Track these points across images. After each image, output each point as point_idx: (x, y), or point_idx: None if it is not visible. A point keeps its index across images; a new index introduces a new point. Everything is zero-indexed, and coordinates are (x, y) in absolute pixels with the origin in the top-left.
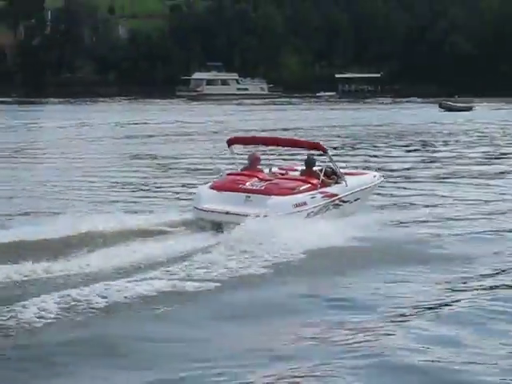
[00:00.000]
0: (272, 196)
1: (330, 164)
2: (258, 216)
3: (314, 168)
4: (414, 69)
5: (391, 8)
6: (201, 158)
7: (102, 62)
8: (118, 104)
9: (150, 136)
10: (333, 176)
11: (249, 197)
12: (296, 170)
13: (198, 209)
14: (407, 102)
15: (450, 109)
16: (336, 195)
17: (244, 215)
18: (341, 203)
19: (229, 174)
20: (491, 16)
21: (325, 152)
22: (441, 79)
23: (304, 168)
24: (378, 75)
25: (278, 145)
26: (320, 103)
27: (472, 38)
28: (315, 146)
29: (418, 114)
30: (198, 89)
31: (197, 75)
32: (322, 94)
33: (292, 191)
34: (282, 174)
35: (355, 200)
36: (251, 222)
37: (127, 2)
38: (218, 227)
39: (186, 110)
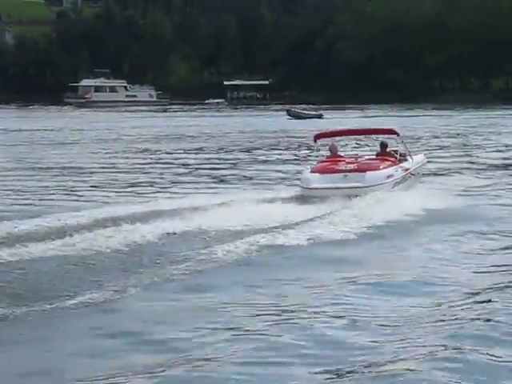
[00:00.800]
0: (367, 172)
1: (400, 146)
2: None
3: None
4: (304, 76)
5: (279, 14)
6: (87, 163)
7: None
8: (6, 111)
9: (39, 143)
10: (403, 154)
11: (346, 175)
12: (361, 157)
13: (309, 188)
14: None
15: (298, 116)
16: (408, 169)
17: (349, 188)
18: (410, 175)
19: (321, 162)
20: (378, 24)
21: (399, 135)
22: (331, 86)
23: (379, 150)
24: (267, 82)
25: (356, 134)
26: (208, 110)
27: (359, 45)
28: (391, 132)
29: (266, 122)
30: (87, 96)
31: (85, 82)
32: (210, 101)
33: (379, 167)
34: (356, 159)
35: (417, 173)
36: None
37: (14, 8)
38: (326, 200)
39: (73, 117)
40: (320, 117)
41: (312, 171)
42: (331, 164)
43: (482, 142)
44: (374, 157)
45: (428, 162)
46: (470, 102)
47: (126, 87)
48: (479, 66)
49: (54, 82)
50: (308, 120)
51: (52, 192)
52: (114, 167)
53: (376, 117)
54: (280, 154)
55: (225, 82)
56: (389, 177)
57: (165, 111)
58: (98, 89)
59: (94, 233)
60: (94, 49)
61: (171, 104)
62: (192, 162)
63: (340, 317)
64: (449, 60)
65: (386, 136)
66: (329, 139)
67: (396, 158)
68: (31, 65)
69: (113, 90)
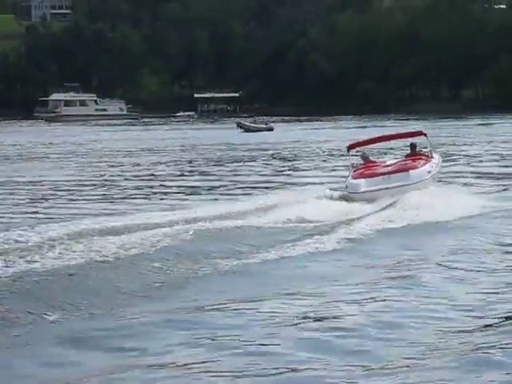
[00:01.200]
0: (409, 170)
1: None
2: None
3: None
4: (276, 88)
5: (252, 27)
6: (59, 177)
7: None
8: None
9: (11, 158)
10: (428, 153)
11: (388, 177)
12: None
13: (359, 193)
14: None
15: (247, 129)
16: (437, 164)
17: (397, 187)
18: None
19: (358, 169)
20: (350, 37)
21: (426, 136)
22: (303, 99)
23: (409, 151)
24: (237, 95)
25: (387, 140)
26: (178, 123)
27: (331, 58)
28: (419, 133)
29: (215, 135)
30: (56, 110)
31: (54, 96)
32: (181, 113)
33: (418, 165)
34: (385, 162)
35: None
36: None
37: None
38: (376, 200)
39: (44, 132)
40: (270, 130)
41: (355, 177)
42: (370, 169)
43: (455, 151)
44: (406, 158)
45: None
46: (440, 112)
47: (95, 101)
48: (450, 76)
49: (23, 96)
50: (258, 133)
51: (24, 205)
52: (84, 180)
53: (346, 129)
54: (252, 166)
55: (195, 95)
56: (428, 172)
57: (135, 125)
58: (67, 103)
59: (66, 246)
60: (63, 62)
61: (142, 117)
62: (163, 173)
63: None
64: (420, 70)
65: (415, 138)
66: (361, 148)
67: (428, 156)
68: (1, 79)
69: (83, 103)
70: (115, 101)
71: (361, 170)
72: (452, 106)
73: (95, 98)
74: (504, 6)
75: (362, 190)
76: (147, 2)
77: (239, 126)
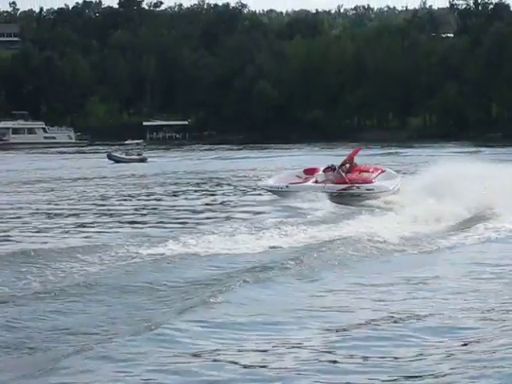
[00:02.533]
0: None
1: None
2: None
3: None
4: (224, 115)
5: (200, 54)
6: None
7: None
8: None
9: None
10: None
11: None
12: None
13: (388, 190)
14: (217, 149)
15: (117, 160)
16: None
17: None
18: None
19: (350, 176)
20: (298, 63)
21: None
22: (251, 126)
23: (349, 166)
24: (186, 122)
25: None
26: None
27: (279, 85)
28: (358, 149)
29: (83, 165)
30: (4, 138)
31: (2, 124)
32: (129, 141)
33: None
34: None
35: None
36: None
37: None
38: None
39: None
40: (143, 161)
41: (373, 181)
42: (367, 175)
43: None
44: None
45: None
46: (387, 139)
47: (44, 129)
48: (397, 105)
49: None
50: (126, 164)
51: None
52: (36, 209)
53: (256, 158)
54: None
55: (144, 123)
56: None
57: (83, 153)
58: (15, 131)
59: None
60: (11, 90)
61: (90, 145)
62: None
63: None
64: (367, 98)
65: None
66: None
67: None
68: None
69: (31, 131)
70: (64, 129)
71: (365, 176)
72: (399, 134)
73: (44, 126)
74: (451, 35)
75: (390, 189)
76: (96, 29)
77: (109, 157)
